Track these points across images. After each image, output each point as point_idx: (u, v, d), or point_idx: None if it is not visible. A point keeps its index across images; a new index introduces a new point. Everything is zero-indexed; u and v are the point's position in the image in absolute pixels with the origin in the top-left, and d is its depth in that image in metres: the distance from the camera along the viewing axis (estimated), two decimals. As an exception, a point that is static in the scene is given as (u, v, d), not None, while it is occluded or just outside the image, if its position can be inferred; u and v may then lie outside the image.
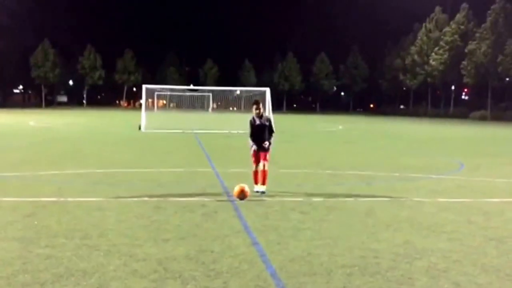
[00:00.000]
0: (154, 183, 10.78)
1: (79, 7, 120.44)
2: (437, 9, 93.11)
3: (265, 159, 9.77)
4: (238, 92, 68.46)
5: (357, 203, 9.12)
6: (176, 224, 7.10)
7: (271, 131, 9.93)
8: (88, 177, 11.40)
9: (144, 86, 33.88)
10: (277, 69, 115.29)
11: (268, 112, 27.30)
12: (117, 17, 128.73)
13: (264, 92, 31.49)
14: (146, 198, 8.93)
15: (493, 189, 11.27)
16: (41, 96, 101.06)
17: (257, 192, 9.62)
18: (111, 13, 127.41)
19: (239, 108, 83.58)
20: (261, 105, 9.97)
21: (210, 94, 74.81)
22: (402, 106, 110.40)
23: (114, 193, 9.37)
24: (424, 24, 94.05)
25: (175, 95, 76.37)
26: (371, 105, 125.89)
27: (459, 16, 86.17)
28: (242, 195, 8.84)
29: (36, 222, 7.00)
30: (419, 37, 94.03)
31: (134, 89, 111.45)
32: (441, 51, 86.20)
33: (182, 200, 8.85)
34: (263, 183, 9.76)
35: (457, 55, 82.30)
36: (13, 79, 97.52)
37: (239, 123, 34.41)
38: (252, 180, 9.90)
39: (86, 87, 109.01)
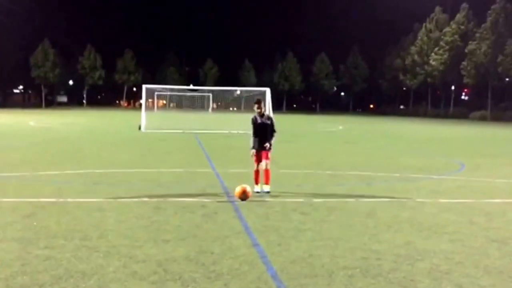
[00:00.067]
0: (154, 184, 10.74)
1: (79, 7, 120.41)
2: (437, 9, 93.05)
3: (266, 157, 9.75)
4: (238, 92, 68.42)
5: (358, 203, 9.08)
6: (176, 225, 7.06)
7: (273, 130, 9.90)
8: (88, 178, 11.35)
9: (144, 86, 33.81)
10: (277, 69, 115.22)
11: (268, 112, 27.22)
12: (117, 17, 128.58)
13: (264, 92, 31.41)
14: (146, 199, 8.89)
15: (494, 190, 11.23)
16: (41, 96, 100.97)
17: (258, 192, 9.58)
18: (111, 13, 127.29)
19: (239, 108, 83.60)
20: (262, 104, 9.95)
21: (210, 94, 74.80)
22: (402, 106, 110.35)
23: (114, 193, 9.32)
24: (424, 24, 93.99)
25: (175, 95, 76.36)
26: (371, 105, 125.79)
27: (459, 16, 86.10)
28: (244, 195, 8.78)
29: (35, 223, 6.95)
30: (419, 37, 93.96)
31: (134, 89, 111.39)
32: (441, 51, 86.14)
33: (182, 201, 8.81)
34: (267, 183, 9.75)
35: (457, 55, 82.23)
36: (13, 79, 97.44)
37: (239, 123, 34.34)
38: (253, 180, 9.86)
39: (86, 87, 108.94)
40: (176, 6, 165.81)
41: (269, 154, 9.84)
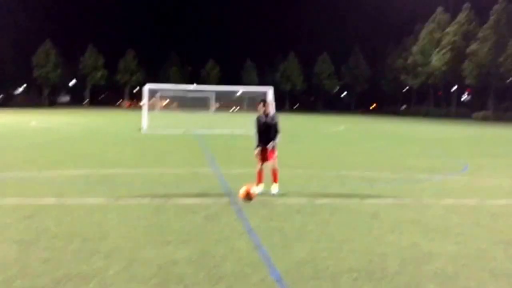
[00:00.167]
0: (155, 184, 10.65)
1: (80, 7, 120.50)
2: (439, 9, 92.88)
3: (272, 158, 9.72)
4: (240, 92, 68.35)
5: (361, 204, 8.99)
6: (178, 227, 6.98)
7: (276, 130, 9.84)
8: (89, 178, 11.27)
9: (146, 86, 33.70)
10: (279, 69, 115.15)
11: (273, 111, 27.10)
12: (118, 17, 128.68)
13: (266, 92, 31.31)
14: (147, 200, 8.80)
15: (498, 190, 11.13)
16: (43, 96, 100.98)
17: (260, 193, 9.50)
18: (113, 13, 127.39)
19: (241, 108, 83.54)
20: (267, 104, 9.88)
21: (213, 94, 74.75)
22: (403, 106, 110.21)
23: (115, 194, 9.24)
24: (426, 24, 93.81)
25: (177, 95, 76.28)
26: (373, 105, 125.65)
27: (461, 16, 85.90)
28: (248, 196, 8.68)
29: (35, 224, 6.87)
30: (421, 37, 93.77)
31: (136, 89, 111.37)
32: (443, 52, 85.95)
33: (184, 202, 8.72)
34: (275, 181, 9.75)
35: (459, 55, 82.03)
36: (15, 79, 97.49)
37: (241, 123, 34.26)
38: (256, 181, 9.79)
39: (88, 87, 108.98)
40: (178, 6, 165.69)
41: (275, 154, 9.80)
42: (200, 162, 15.11)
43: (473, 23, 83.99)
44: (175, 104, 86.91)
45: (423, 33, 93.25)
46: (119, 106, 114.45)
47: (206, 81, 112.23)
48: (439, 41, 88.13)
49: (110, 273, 5.03)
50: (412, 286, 4.93)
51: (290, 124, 43.21)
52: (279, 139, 9.91)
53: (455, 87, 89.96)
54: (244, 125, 32.74)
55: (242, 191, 8.71)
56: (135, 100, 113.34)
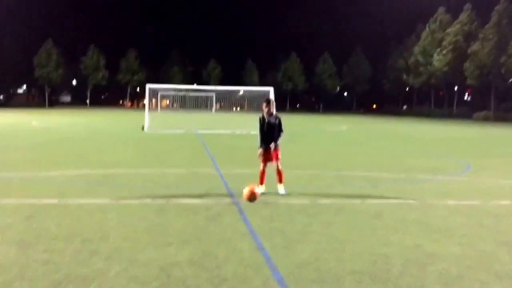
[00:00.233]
0: (157, 185, 10.60)
1: (82, 7, 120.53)
2: (441, 9, 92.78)
3: (277, 158, 9.70)
4: (241, 92, 68.32)
5: (364, 205, 8.92)
6: (179, 228, 6.91)
7: (280, 130, 9.79)
8: (90, 178, 11.22)
9: (147, 86, 33.66)
10: (280, 69, 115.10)
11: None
12: (120, 17, 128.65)
13: (268, 92, 31.26)
14: (148, 200, 8.74)
15: (502, 191, 11.06)
16: (44, 96, 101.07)
17: (262, 193, 9.45)
18: (114, 13, 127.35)
19: (242, 108, 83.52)
20: (271, 104, 9.83)
21: (214, 94, 74.73)
22: (405, 107, 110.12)
23: (116, 194, 9.18)
24: (427, 25, 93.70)
25: (178, 95, 76.23)
26: (374, 105, 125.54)
27: (462, 17, 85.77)
28: (252, 196, 8.62)
29: (35, 225, 6.82)
30: (422, 37, 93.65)
31: (138, 89, 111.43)
32: (444, 52, 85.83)
33: (186, 202, 8.66)
34: (281, 182, 9.74)
35: (460, 55, 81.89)
36: (16, 79, 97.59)
37: (243, 123, 34.22)
38: (258, 181, 9.74)
39: (89, 87, 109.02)
40: (179, 6, 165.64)
41: (279, 154, 9.77)
42: (202, 162, 15.05)
43: (475, 23, 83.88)
44: (176, 104, 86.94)
45: (425, 33, 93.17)
46: (121, 106, 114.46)
47: (208, 81, 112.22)
48: (440, 41, 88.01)
49: (110, 275, 4.97)
50: (416, 288, 4.87)
51: (291, 124, 43.15)
52: (282, 138, 9.86)
53: (456, 87, 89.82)
54: (246, 125, 32.68)
55: (245, 191, 8.63)
56: (136, 101, 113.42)
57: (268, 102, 9.81)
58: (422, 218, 7.97)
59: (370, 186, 11.27)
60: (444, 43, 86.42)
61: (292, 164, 14.25)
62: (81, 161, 14.35)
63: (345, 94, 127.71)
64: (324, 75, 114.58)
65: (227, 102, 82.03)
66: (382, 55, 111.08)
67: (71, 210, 7.81)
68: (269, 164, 9.81)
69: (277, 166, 9.72)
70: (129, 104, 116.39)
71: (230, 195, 9.49)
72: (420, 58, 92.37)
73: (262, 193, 9.38)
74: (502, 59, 72.44)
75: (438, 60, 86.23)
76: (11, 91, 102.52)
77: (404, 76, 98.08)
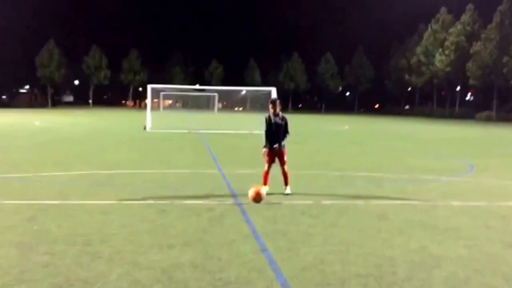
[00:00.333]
0: (159, 185, 10.52)
1: (84, 8, 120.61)
2: (443, 9, 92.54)
3: (283, 161, 9.69)
4: (243, 92, 68.30)
5: (368, 206, 8.83)
6: (182, 229, 6.83)
7: (285, 131, 9.73)
8: (92, 179, 11.15)
9: (149, 86, 33.60)
10: (282, 69, 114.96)
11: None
12: (122, 17, 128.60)
13: (270, 92, 31.18)
14: (150, 201, 8.66)
15: (506, 192, 10.97)
16: (47, 96, 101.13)
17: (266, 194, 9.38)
18: (116, 13, 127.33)
19: (244, 108, 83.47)
20: (277, 104, 9.79)
21: (216, 94, 74.69)
22: (407, 107, 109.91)
23: (117, 195, 9.11)
24: (429, 25, 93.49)
25: (180, 95, 76.25)
26: (376, 105, 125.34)
27: (464, 17, 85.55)
28: (258, 197, 8.53)
29: (36, 227, 6.74)
30: (424, 38, 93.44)
31: (140, 89, 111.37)
32: (446, 52, 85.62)
33: (188, 203, 8.58)
34: (287, 183, 9.71)
35: (462, 56, 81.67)
36: (19, 79, 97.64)
37: (245, 123, 34.13)
38: (262, 181, 9.66)
39: (92, 87, 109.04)
40: (181, 6, 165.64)
41: (285, 157, 9.75)
42: (204, 162, 14.97)
43: (477, 24, 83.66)
44: (179, 103, 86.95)
45: (427, 33, 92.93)
46: (123, 105, 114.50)
47: (210, 81, 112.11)
48: (442, 42, 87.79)
49: (112, 278, 4.88)
50: (423, 292, 4.78)
51: (293, 124, 42.98)
52: (288, 139, 9.80)
53: (458, 88, 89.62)
54: (248, 125, 32.61)
55: (251, 192, 8.55)
56: (138, 100, 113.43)
57: (273, 102, 9.79)
58: (426, 219, 7.88)
59: (373, 186, 11.19)
60: (446, 43, 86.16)
61: (294, 164, 14.14)
62: (83, 161, 14.28)
63: (347, 94, 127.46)
64: (326, 75, 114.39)
65: (229, 102, 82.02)
66: (384, 55, 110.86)
67: (73, 211, 7.74)
68: (273, 165, 9.76)
69: (283, 169, 9.70)
70: (131, 104, 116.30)
71: (233, 195, 9.41)
72: (422, 58, 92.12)
73: (266, 194, 9.30)
74: (505, 59, 72.16)
75: (440, 60, 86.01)
76: (14, 91, 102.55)
77: (406, 76, 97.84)
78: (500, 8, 75.78)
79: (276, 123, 9.66)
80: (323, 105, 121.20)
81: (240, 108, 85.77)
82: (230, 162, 15.02)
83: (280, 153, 9.69)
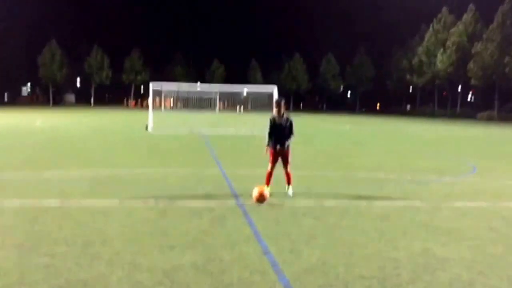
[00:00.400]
0: (160, 186, 10.46)
1: (85, 7, 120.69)
2: (444, 9, 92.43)
3: (286, 162, 9.67)
4: (245, 94, 68.24)
5: (370, 207, 8.77)
6: (183, 230, 6.78)
7: (290, 132, 9.70)
8: (93, 179, 11.09)
9: (151, 84, 33.47)
10: (284, 69, 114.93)
11: (274, 111, 26.90)
12: (123, 17, 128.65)
13: (271, 91, 31.12)
14: (152, 202, 8.61)
15: (510, 192, 10.92)
16: (48, 95, 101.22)
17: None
18: (118, 13, 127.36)
19: (246, 108, 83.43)
20: (282, 105, 9.77)
21: (217, 94, 74.56)
22: (408, 107, 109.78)
23: (119, 196, 9.06)
24: (431, 25, 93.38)
25: (182, 95, 76.05)
26: (378, 105, 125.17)
27: (466, 17, 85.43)
28: (261, 198, 8.48)
29: (36, 228, 6.69)
30: (426, 38, 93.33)
31: (142, 89, 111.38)
32: (448, 52, 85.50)
33: (189, 204, 8.53)
34: (289, 183, 9.69)
35: (464, 56, 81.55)
36: (21, 78, 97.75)
37: (246, 123, 34.08)
38: (264, 181, 9.62)
39: (93, 87, 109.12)
40: (183, 6, 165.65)
41: (290, 159, 9.73)
42: (206, 162, 14.91)
43: (479, 24, 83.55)
44: (180, 103, 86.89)
45: (428, 34, 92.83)
46: (125, 105, 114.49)
47: (211, 80, 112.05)
48: (444, 42, 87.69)
49: (112, 280, 4.84)
50: (427, 295, 4.73)
51: (295, 124, 42.95)
52: (293, 139, 9.77)
53: (460, 88, 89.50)
54: (249, 124, 32.57)
55: (254, 192, 8.51)
56: (140, 100, 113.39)
57: (278, 103, 9.78)
58: (430, 220, 7.83)
59: (375, 187, 11.13)
60: (448, 43, 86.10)
61: (296, 165, 14.08)
62: (84, 161, 14.23)
63: (349, 94, 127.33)
64: (327, 75, 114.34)
65: (231, 102, 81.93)
66: (385, 55, 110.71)
67: (73, 212, 7.69)
68: (276, 165, 9.72)
69: (286, 169, 9.68)
70: (133, 103, 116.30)
71: (235, 196, 9.36)
72: (423, 58, 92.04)
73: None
74: (506, 59, 72.09)
75: (442, 60, 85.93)
76: (16, 90, 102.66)
77: (408, 76, 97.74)
78: (501, 8, 75.68)
79: (280, 124, 9.63)
80: (325, 105, 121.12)
81: (242, 108, 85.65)
82: (232, 163, 14.97)
83: (284, 154, 9.65)
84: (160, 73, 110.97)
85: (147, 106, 35.45)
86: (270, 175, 9.62)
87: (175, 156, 16.80)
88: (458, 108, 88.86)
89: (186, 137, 25.15)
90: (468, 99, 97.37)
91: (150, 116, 31.36)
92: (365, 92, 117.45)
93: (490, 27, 77.09)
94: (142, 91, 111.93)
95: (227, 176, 11.95)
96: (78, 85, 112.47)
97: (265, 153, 9.75)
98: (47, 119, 41.54)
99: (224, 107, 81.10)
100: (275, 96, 29.58)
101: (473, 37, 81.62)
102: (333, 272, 5.25)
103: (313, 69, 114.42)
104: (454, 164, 16.45)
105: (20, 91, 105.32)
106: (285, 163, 9.67)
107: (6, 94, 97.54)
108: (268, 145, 9.67)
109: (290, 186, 9.72)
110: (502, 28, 74.51)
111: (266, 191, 8.65)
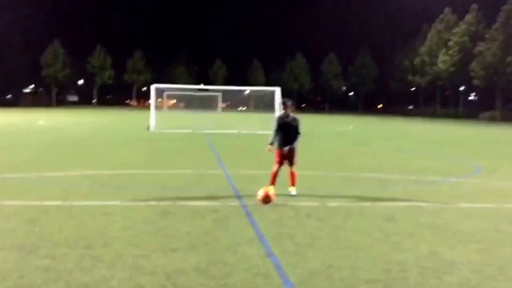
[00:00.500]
0: (162, 186, 10.35)
1: (88, 8, 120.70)
2: (447, 9, 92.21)
3: (292, 162, 9.61)
4: (247, 92, 68.16)
5: (375, 208, 8.66)
6: (186, 232, 6.67)
7: (297, 132, 9.64)
8: (95, 179, 11.00)
9: (153, 86, 33.43)
10: (286, 69, 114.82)
11: (277, 111, 26.82)
12: (126, 17, 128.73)
13: (274, 92, 31.02)
14: (154, 202, 8.51)
15: (516, 194, 10.78)
16: (51, 95, 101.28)
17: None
18: (120, 14, 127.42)
19: (248, 108, 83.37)
20: (288, 105, 9.75)
21: (220, 94, 74.53)
22: (410, 107, 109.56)
23: (120, 196, 8.97)
24: (433, 25, 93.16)
25: (184, 94, 76.09)
26: (380, 105, 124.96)
27: (468, 17, 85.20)
28: (267, 199, 8.39)
29: (37, 229, 6.59)
30: (428, 38, 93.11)
31: (144, 89, 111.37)
32: (450, 52, 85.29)
33: (192, 205, 8.43)
34: (293, 184, 9.62)
35: (466, 56, 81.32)
36: (24, 78, 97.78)
37: (249, 123, 33.96)
38: (269, 182, 9.53)
39: (96, 87, 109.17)
40: (185, 6, 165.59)
41: (295, 158, 9.68)
42: (208, 162, 14.80)
43: (481, 24, 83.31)
44: (182, 103, 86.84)
45: (431, 34, 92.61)
46: (127, 105, 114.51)
47: (213, 81, 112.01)
48: (446, 42, 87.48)
49: (114, 283, 4.74)
50: (435, 299, 4.62)
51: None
52: (300, 139, 9.71)
53: (462, 88, 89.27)
54: (251, 124, 32.46)
55: (260, 193, 8.42)
56: (142, 100, 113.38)
57: (285, 104, 9.80)
58: (435, 222, 7.71)
59: (379, 188, 11.01)
60: (450, 43, 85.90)
61: (299, 165, 13.97)
62: (85, 162, 14.15)
63: (351, 94, 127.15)
64: (329, 75, 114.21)
65: (233, 102, 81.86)
66: (388, 55, 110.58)
67: (75, 213, 7.59)
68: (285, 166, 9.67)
69: (291, 169, 9.61)
70: (135, 103, 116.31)
71: (237, 197, 9.26)
72: (426, 58, 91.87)
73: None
74: (508, 59, 71.86)
75: (444, 60, 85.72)
76: (19, 90, 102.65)
77: (410, 76, 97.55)
78: (504, 7, 75.46)
79: (287, 123, 9.61)
80: (327, 105, 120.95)
81: (244, 108, 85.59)
82: (234, 163, 14.86)
83: (290, 154, 9.57)
84: (162, 73, 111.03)
85: (149, 105, 35.36)
86: (275, 175, 9.55)
87: (177, 156, 16.70)
88: (460, 108, 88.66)
89: (188, 137, 25.06)
90: (470, 99, 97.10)
91: (152, 116, 31.29)
92: (367, 92, 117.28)
93: (493, 26, 76.87)
94: (144, 91, 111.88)
95: (229, 176, 11.85)
96: (80, 84, 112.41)
97: (268, 151, 9.69)
98: (49, 119, 41.50)
99: (226, 107, 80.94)
100: (278, 97, 29.47)
101: (475, 37, 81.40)
102: (338, 275, 5.14)
103: (315, 69, 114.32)
104: (458, 165, 16.33)
105: (23, 91, 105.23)
106: (291, 163, 9.59)
107: (9, 94, 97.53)
108: (272, 143, 9.60)
109: (294, 188, 9.64)
110: (505, 27, 74.28)
111: (272, 192, 8.55)
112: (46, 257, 5.43)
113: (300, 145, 9.86)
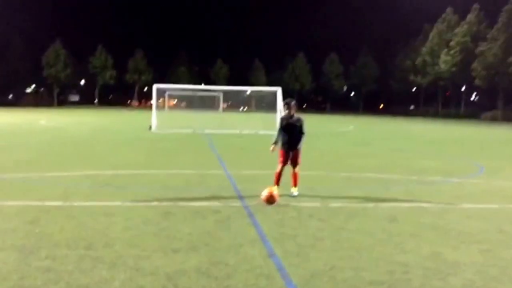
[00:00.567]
0: (163, 186, 10.31)
1: (90, 8, 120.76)
2: (449, 9, 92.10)
3: (295, 163, 9.59)
4: (248, 92, 68.12)
5: (377, 209, 8.61)
6: (187, 232, 6.63)
7: (301, 132, 9.63)
8: (96, 179, 10.97)
9: (154, 86, 33.43)
10: (287, 69, 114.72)
11: (278, 111, 26.76)
12: (127, 17, 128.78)
13: (275, 92, 30.98)
14: (155, 203, 8.47)
15: (519, 194, 10.72)
16: (53, 95, 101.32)
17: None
18: (122, 14, 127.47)
19: (249, 108, 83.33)
20: (292, 105, 9.71)
21: (221, 94, 74.53)
22: (412, 107, 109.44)
23: (121, 196, 8.93)
24: (435, 25, 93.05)
25: (186, 94, 76.10)
26: (381, 106, 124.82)
27: (470, 17, 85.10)
28: (271, 199, 8.35)
29: (37, 230, 6.55)
30: (430, 38, 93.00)
31: (145, 89, 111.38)
32: (452, 52, 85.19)
33: (193, 205, 8.38)
34: (295, 185, 9.57)
35: (468, 56, 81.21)
36: (25, 78, 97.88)
37: (250, 123, 33.92)
38: (273, 182, 9.50)
39: (97, 87, 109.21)
40: (187, 6, 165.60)
41: (299, 159, 9.66)
42: (209, 162, 14.76)
43: (483, 24, 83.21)
44: (183, 103, 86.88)
45: (432, 34, 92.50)
46: (129, 105, 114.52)
47: (215, 81, 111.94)
48: (448, 42, 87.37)
49: (114, 284, 4.69)
50: (438, 301, 4.57)
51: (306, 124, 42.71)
52: (304, 139, 9.71)
53: (464, 88, 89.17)
54: (253, 124, 32.41)
55: (264, 193, 8.38)
56: (143, 100, 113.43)
57: (287, 104, 9.75)
58: (438, 222, 7.66)
59: (381, 188, 10.97)
60: (452, 43, 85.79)
61: (301, 165, 13.92)
62: (86, 162, 14.11)
63: (352, 94, 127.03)
64: (331, 75, 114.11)
65: (234, 102, 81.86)
66: (389, 55, 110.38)
67: (76, 213, 7.55)
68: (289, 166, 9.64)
69: (294, 170, 9.58)
70: (136, 103, 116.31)
71: (239, 197, 9.22)
72: (427, 59, 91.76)
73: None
74: (510, 59, 71.75)
75: (446, 60, 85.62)
76: (20, 90, 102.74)
77: (411, 77, 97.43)
78: (506, 7, 75.36)
79: (291, 124, 9.59)
80: (328, 105, 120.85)
81: (245, 108, 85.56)
82: (235, 163, 14.82)
83: (294, 154, 9.53)
84: (164, 74, 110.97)
85: (151, 105, 35.36)
86: (279, 175, 9.53)
87: (179, 156, 16.67)
88: (462, 108, 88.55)
89: (189, 137, 25.02)
90: (472, 99, 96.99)
91: (154, 116, 31.27)
92: (368, 92, 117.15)
93: (495, 27, 76.76)
94: (145, 91, 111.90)
95: (231, 177, 11.81)
96: (82, 84, 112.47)
97: (271, 151, 9.65)
98: (51, 119, 41.49)
99: (227, 107, 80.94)
100: (279, 97, 29.44)
101: (477, 37, 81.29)
102: (341, 276, 5.09)
103: (317, 69, 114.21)
104: (460, 165, 16.28)
105: (25, 91, 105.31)
106: (295, 163, 9.55)
107: (11, 94, 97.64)
108: (275, 142, 9.58)
109: (296, 189, 9.59)
110: (507, 27, 74.18)
111: (276, 192, 8.51)
112: (46, 258, 5.39)
113: (303, 145, 9.82)
